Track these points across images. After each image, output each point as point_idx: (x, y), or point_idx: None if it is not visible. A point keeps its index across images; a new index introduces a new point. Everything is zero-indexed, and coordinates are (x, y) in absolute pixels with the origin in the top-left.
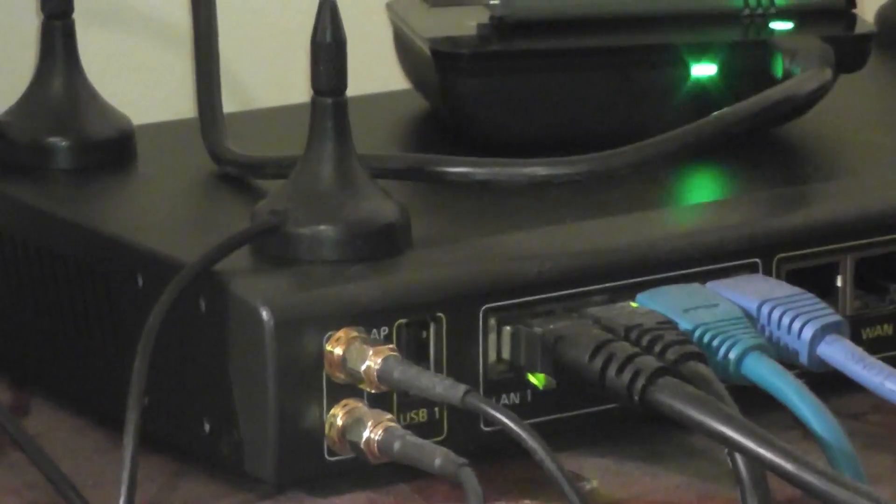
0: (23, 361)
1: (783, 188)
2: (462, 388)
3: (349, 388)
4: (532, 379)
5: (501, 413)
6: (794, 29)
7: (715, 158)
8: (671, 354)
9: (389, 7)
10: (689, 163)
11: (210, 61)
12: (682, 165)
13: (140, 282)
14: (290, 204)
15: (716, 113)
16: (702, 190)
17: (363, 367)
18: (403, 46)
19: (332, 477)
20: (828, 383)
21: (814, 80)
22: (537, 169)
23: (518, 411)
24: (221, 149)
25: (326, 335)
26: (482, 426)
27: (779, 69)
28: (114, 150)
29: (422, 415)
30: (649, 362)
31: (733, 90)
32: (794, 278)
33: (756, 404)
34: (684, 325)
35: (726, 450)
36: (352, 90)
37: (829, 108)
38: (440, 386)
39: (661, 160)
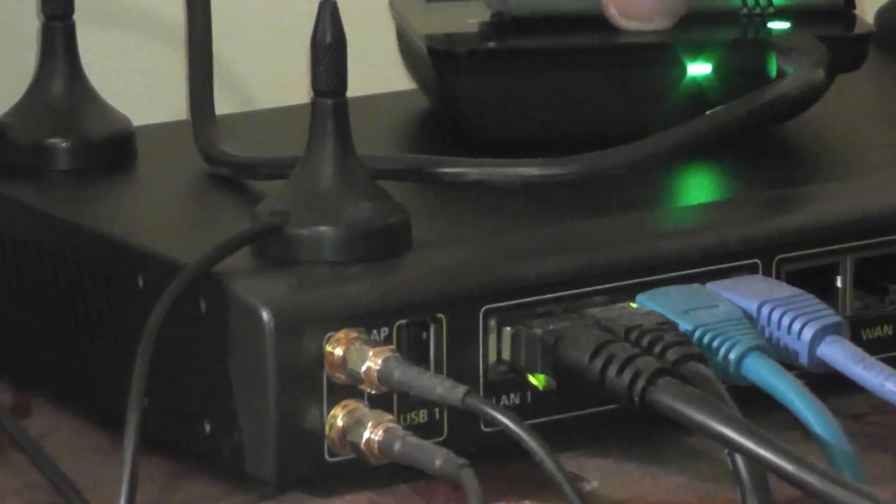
0: (23, 362)
1: (783, 189)
2: (462, 388)
3: (349, 388)
4: (532, 380)
5: (502, 414)
6: (791, 28)
7: (714, 159)
8: (671, 355)
9: (392, 5)
10: (688, 163)
11: (203, 62)
12: (682, 165)
13: (140, 282)
14: (290, 205)
15: (708, 112)
16: (702, 190)
17: (363, 368)
18: (405, 45)
19: (333, 478)
20: (828, 384)
21: (805, 80)
22: (531, 169)
23: (518, 412)
24: (214, 150)
25: (327, 336)
26: (482, 427)
27: (773, 69)
28: (114, 151)
29: (422, 415)
30: (649, 363)
31: (729, 89)
32: (794, 279)
33: (756, 405)
34: (684, 325)
35: (726, 450)
36: (355, 91)
37: (828, 109)
38: (440, 387)
39: (654, 160)
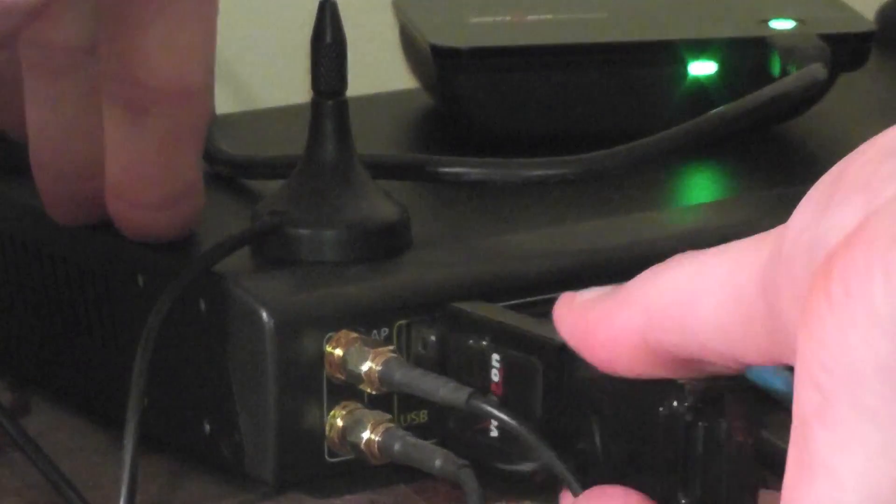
0: (23, 362)
1: (784, 188)
2: (466, 391)
3: (349, 388)
4: None
5: (507, 415)
6: (794, 28)
7: (715, 158)
8: None
9: (395, 4)
10: (689, 162)
11: None
12: (682, 165)
13: (140, 282)
14: (289, 205)
15: (709, 112)
16: (702, 190)
17: (364, 369)
18: (408, 43)
19: (333, 478)
20: None
21: (806, 78)
22: (532, 169)
23: None
24: (213, 149)
25: (326, 336)
26: None
27: (776, 68)
28: None
29: (422, 416)
30: None
31: (732, 89)
32: None
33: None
34: None
35: None
36: (357, 89)
37: (830, 108)
38: (443, 389)
39: (655, 160)
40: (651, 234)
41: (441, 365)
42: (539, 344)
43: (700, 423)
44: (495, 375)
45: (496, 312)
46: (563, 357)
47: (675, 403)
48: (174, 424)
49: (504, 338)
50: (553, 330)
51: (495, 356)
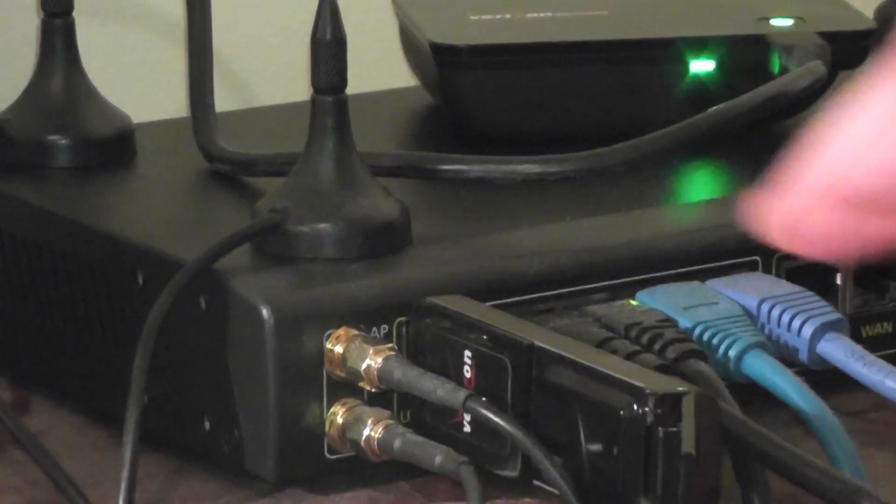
0: (23, 360)
1: None
2: (463, 392)
3: (350, 386)
4: None
5: (503, 419)
6: (793, 25)
7: (715, 155)
8: (671, 352)
9: (395, 2)
10: (689, 160)
11: (203, 58)
12: (682, 163)
13: (140, 280)
14: (290, 202)
15: (709, 110)
16: (702, 187)
17: (363, 367)
18: (408, 41)
19: (333, 475)
20: (828, 381)
21: (806, 76)
22: (531, 167)
23: None
24: (213, 146)
25: (326, 333)
26: None
27: (775, 65)
28: (114, 148)
29: None
30: (649, 360)
31: (731, 86)
32: (794, 276)
33: (756, 402)
34: (684, 322)
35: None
36: (357, 87)
37: (829, 105)
38: (441, 389)
39: (654, 157)
40: (651, 232)
41: (416, 358)
42: (508, 342)
43: (660, 428)
44: (467, 371)
45: (471, 308)
46: (531, 357)
47: (635, 407)
48: (174, 421)
49: (475, 335)
50: (523, 329)
51: (467, 352)
